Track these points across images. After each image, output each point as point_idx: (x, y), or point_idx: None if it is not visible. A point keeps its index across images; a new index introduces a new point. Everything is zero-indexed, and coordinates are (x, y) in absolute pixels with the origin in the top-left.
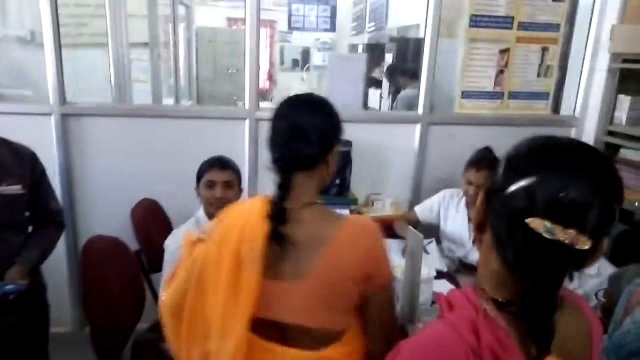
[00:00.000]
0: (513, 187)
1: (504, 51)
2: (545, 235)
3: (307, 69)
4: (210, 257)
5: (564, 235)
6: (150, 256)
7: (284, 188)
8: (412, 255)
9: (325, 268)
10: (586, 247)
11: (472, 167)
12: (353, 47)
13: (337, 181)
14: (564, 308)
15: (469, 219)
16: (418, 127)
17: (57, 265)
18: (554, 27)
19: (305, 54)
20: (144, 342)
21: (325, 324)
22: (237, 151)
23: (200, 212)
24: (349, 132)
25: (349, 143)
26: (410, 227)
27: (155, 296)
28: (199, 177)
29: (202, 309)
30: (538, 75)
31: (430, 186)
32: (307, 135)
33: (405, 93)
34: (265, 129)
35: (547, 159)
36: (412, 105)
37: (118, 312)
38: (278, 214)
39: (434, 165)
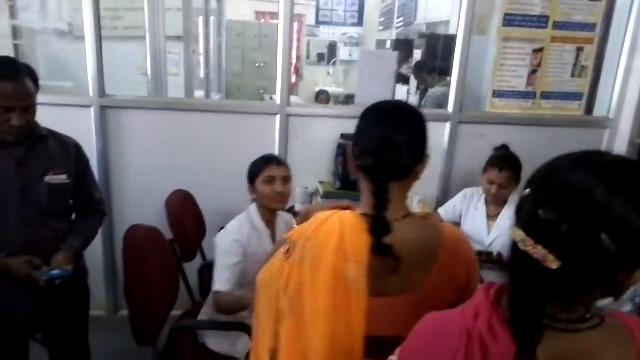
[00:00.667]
0: (520, 196)
1: (538, 51)
2: (520, 246)
3: (334, 64)
4: (304, 281)
5: (534, 249)
6: (183, 246)
7: (382, 198)
8: None
9: (437, 280)
10: (554, 266)
11: (494, 167)
12: (381, 43)
13: None
14: (604, 330)
15: (488, 217)
16: (448, 125)
17: (94, 252)
18: (590, 27)
19: (332, 48)
20: (180, 329)
21: None
22: (268, 146)
23: (253, 209)
24: None
25: None
26: None
27: (188, 285)
28: (253, 176)
29: (297, 338)
30: (572, 75)
31: (459, 185)
32: (402, 145)
33: (434, 91)
34: (295, 125)
35: (554, 173)
36: (441, 103)
37: (156, 298)
38: (381, 225)
39: (463, 164)
